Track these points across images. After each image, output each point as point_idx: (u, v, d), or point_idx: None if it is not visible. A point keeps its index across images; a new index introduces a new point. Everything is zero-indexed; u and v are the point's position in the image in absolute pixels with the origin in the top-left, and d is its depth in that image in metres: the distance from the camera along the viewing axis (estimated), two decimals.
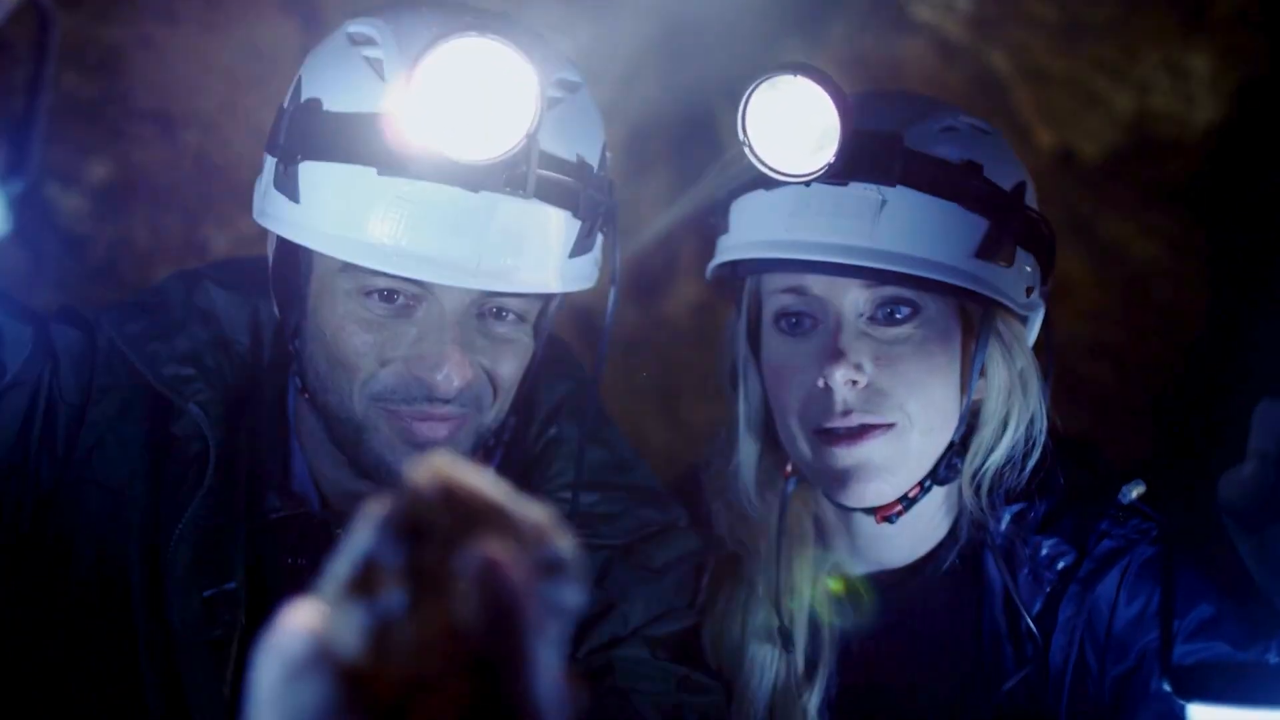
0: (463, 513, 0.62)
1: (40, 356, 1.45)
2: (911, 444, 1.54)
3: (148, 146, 2.62)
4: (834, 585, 1.64)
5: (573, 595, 0.64)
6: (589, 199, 1.43)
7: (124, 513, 1.45)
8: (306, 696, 0.59)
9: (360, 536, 0.62)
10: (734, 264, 1.62)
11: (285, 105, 1.46)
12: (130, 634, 1.43)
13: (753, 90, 1.47)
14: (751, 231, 1.59)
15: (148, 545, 1.44)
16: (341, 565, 0.61)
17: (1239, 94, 2.83)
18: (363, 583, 0.61)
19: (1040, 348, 1.66)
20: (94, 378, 1.48)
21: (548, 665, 0.61)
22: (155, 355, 1.49)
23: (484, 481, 0.64)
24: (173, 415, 1.48)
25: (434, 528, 0.61)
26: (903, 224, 1.49)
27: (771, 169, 1.49)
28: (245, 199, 1.52)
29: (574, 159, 1.42)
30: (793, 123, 1.48)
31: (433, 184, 1.35)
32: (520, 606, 0.60)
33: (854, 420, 1.52)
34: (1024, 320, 1.61)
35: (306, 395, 1.49)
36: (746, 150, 1.48)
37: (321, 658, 0.59)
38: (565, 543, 0.65)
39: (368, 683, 0.59)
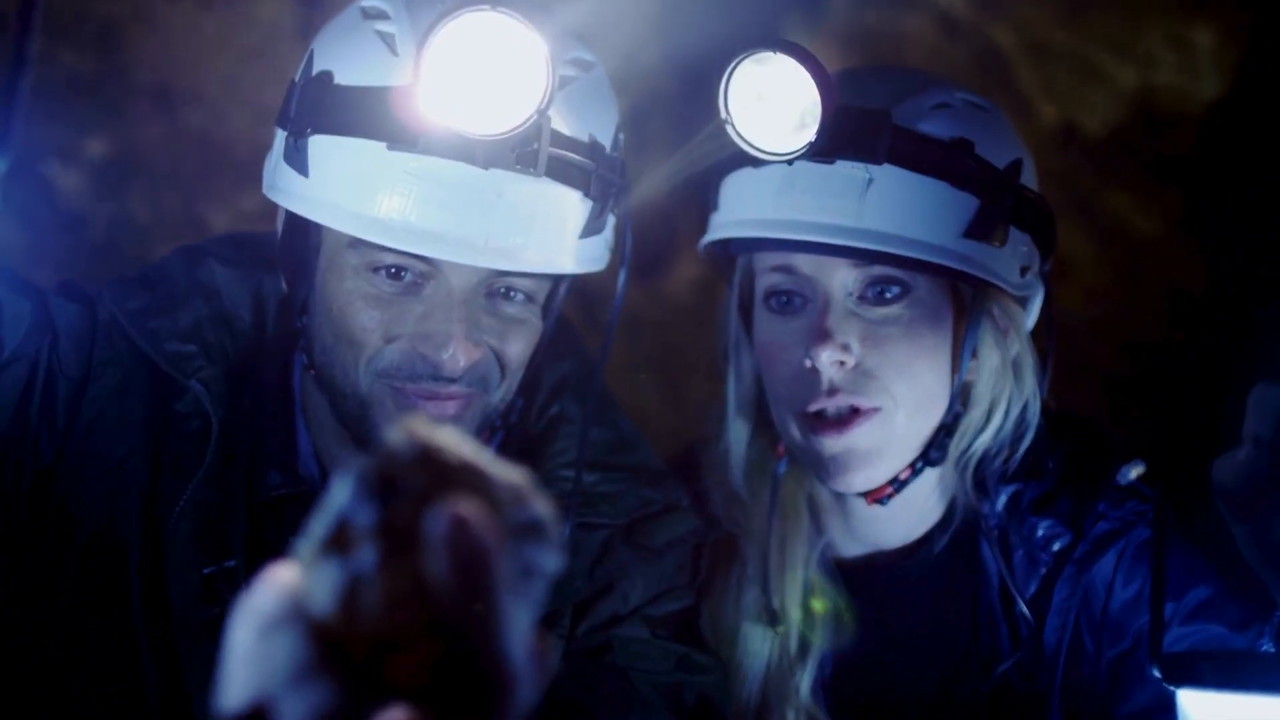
0: (437, 472, 0.62)
1: (39, 331, 1.45)
2: (897, 426, 1.53)
3: (147, 123, 2.61)
4: (818, 606, 1.64)
5: (549, 558, 0.64)
6: (601, 179, 1.43)
7: (124, 489, 1.46)
8: (279, 654, 0.59)
9: (337, 495, 0.62)
10: (726, 242, 1.61)
11: (296, 79, 1.45)
12: (129, 610, 1.43)
13: (734, 67, 1.46)
14: (740, 209, 1.58)
15: (148, 522, 1.45)
16: (317, 524, 0.62)
17: (1243, 69, 2.81)
18: (337, 541, 0.61)
19: (1041, 330, 1.65)
20: (94, 353, 1.48)
21: (519, 626, 0.61)
22: (157, 331, 1.49)
23: (461, 442, 0.64)
24: (174, 392, 1.48)
25: (408, 487, 0.62)
26: (890, 203, 1.48)
27: (753, 147, 1.48)
28: (245, 176, 1.52)
29: (586, 138, 1.42)
30: (776, 100, 1.47)
31: (443, 160, 1.35)
32: (489, 566, 0.60)
33: (841, 401, 1.51)
34: (1022, 302, 1.60)
35: (312, 371, 1.49)
36: (729, 128, 1.47)
37: (294, 616, 0.60)
38: (543, 505, 0.65)
39: (340, 640, 0.59)
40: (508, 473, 0.65)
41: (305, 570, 0.61)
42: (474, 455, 0.64)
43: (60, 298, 1.51)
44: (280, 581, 0.61)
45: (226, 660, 0.61)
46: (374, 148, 1.36)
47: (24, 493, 1.44)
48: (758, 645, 1.63)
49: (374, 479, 0.62)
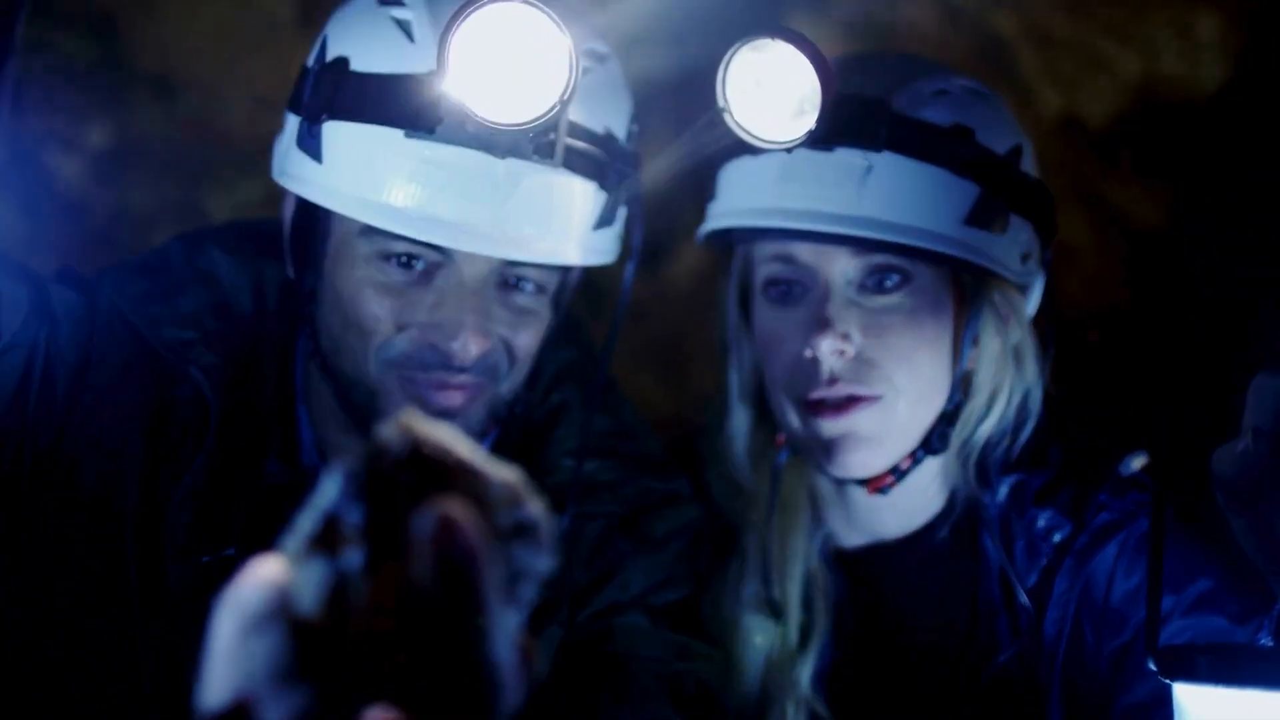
0: (429, 471, 0.61)
1: (37, 318, 1.45)
2: (899, 415, 1.53)
3: (146, 112, 2.61)
4: (819, 597, 1.64)
5: (541, 560, 0.63)
6: (615, 171, 1.42)
7: (122, 476, 1.45)
8: (262, 651, 0.58)
9: (326, 491, 0.61)
10: (725, 231, 1.61)
11: (309, 64, 1.45)
12: (126, 598, 1.43)
13: (732, 55, 1.45)
14: (738, 198, 1.57)
15: (146, 509, 1.44)
16: (305, 520, 0.61)
17: (1245, 58, 2.81)
18: (324, 539, 0.60)
19: (1042, 318, 1.64)
20: (93, 340, 1.48)
21: (506, 628, 0.60)
22: (157, 318, 1.48)
23: (454, 440, 0.63)
24: (173, 379, 1.48)
25: (398, 485, 0.61)
26: (889, 190, 1.47)
27: (752, 135, 1.47)
28: (244, 164, 1.52)
29: (602, 130, 1.42)
30: (774, 88, 1.46)
31: (459, 149, 1.34)
32: (476, 568, 0.59)
33: (841, 390, 1.51)
34: (1023, 289, 1.60)
35: (318, 359, 1.49)
36: (726, 117, 1.46)
37: (278, 612, 0.59)
38: (536, 506, 0.64)
39: (323, 639, 0.58)
40: (501, 472, 0.64)
41: (291, 566, 0.60)
42: (468, 453, 0.63)
43: (59, 285, 1.50)
44: (265, 576, 0.60)
45: (209, 656, 0.60)
46: (390, 135, 1.35)
47: (22, 480, 1.44)
48: (758, 637, 1.62)
49: (364, 476, 0.61)
